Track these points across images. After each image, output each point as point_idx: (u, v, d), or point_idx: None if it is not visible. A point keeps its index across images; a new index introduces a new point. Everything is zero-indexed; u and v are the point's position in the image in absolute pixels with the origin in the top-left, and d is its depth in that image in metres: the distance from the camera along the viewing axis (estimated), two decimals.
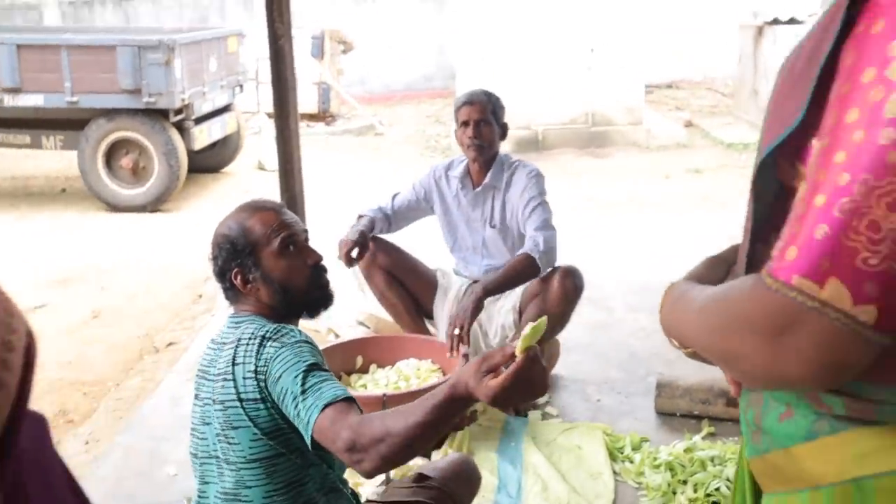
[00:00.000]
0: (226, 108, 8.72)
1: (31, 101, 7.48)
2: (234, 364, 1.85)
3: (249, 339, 1.86)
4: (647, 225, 6.34)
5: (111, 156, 7.68)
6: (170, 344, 4.42)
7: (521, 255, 3.23)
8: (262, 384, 1.80)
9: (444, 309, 3.61)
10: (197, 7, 15.03)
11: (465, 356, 3.18)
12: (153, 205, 7.64)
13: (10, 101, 7.48)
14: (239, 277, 1.97)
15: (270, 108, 10.19)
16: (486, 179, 3.46)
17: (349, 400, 1.73)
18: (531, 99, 9.19)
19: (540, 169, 3.49)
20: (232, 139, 8.98)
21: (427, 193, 3.63)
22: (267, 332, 1.86)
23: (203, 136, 8.00)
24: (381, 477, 2.72)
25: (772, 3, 11.74)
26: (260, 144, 9.49)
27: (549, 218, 3.33)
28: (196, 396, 1.97)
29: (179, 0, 15.66)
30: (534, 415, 3.31)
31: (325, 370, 1.81)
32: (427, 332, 3.67)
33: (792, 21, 9.44)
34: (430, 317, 3.71)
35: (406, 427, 1.64)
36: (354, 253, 3.34)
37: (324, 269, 2.08)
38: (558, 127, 9.52)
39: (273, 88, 5.74)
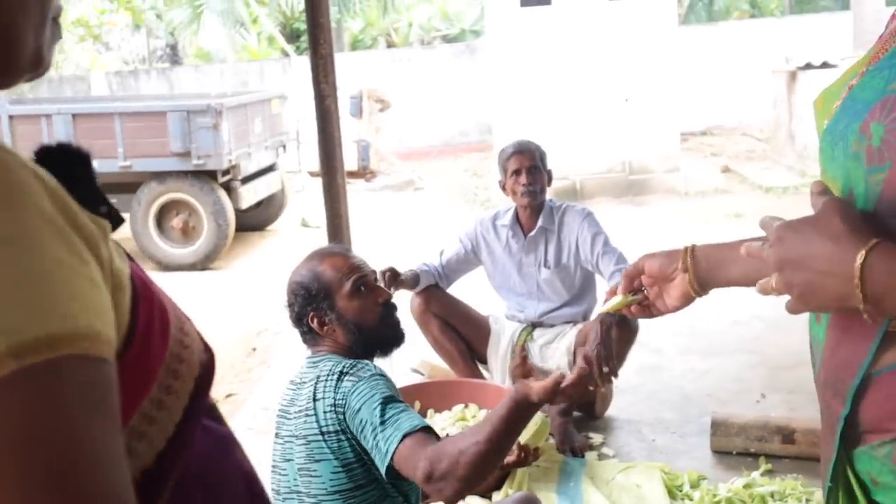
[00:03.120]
0: (270, 168, 8.97)
1: None
2: (314, 400, 1.95)
3: (328, 375, 1.97)
4: None
5: (162, 216, 7.92)
6: (228, 395, 4.53)
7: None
8: (341, 416, 1.90)
9: (498, 354, 3.69)
10: (237, 72, 15.49)
11: None
12: (203, 263, 7.84)
13: None
14: (315, 320, 2.09)
15: (312, 167, 10.44)
16: (539, 223, 3.57)
17: (426, 429, 1.81)
18: (568, 149, 9.31)
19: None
20: (277, 198, 9.21)
21: (474, 246, 3.74)
22: (343, 367, 1.97)
23: (249, 195, 8.23)
24: None
25: (803, 48, 11.85)
26: (303, 202, 9.71)
27: (622, 254, 3.45)
28: (277, 435, 2.07)
29: (220, 67, 16.16)
30: (590, 455, 3.36)
31: (401, 401, 1.90)
32: (481, 377, 3.75)
33: (825, 65, 9.52)
34: (484, 362, 3.79)
35: (477, 443, 1.73)
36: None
37: (394, 308, 2.19)
38: (596, 176, 9.62)
39: (319, 147, 5.92)
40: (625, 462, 3.29)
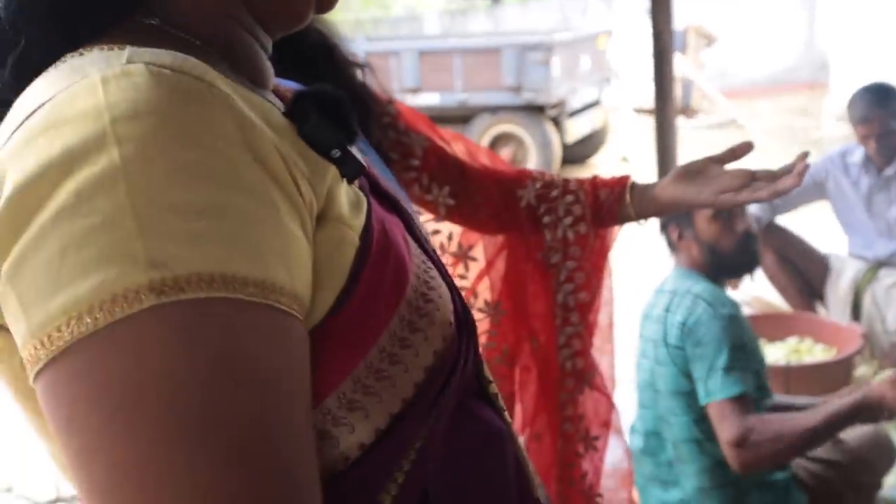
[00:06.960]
0: (594, 104, 9.17)
1: (428, 99, 8.47)
2: (667, 311, 2.17)
3: (685, 292, 2.17)
4: None
5: (491, 148, 8.45)
6: None
7: None
8: (685, 337, 2.09)
9: (837, 292, 3.67)
10: (561, 9, 15.76)
11: (864, 335, 3.23)
12: None
13: (411, 99, 8.54)
14: (675, 233, 2.31)
15: (636, 104, 10.48)
16: None
17: (749, 399, 2.00)
18: None
19: None
20: (598, 133, 9.42)
21: (817, 181, 3.68)
22: (702, 292, 2.15)
23: (576, 129, 8.52)
24: None
25: None
26: (621, 138, 9.85)
27: None
28: (640, 335, 2.31)
29: (544, 4, 16.53)
30: None
31: (745, 352, 2.07)
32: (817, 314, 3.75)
33: None
34: (821, 299, 3.78)
35: (801, 435, 1.92)
36: None
37: (753, 237, 2.33)
38: None
39: (655, 83, 6.00)
40: None
